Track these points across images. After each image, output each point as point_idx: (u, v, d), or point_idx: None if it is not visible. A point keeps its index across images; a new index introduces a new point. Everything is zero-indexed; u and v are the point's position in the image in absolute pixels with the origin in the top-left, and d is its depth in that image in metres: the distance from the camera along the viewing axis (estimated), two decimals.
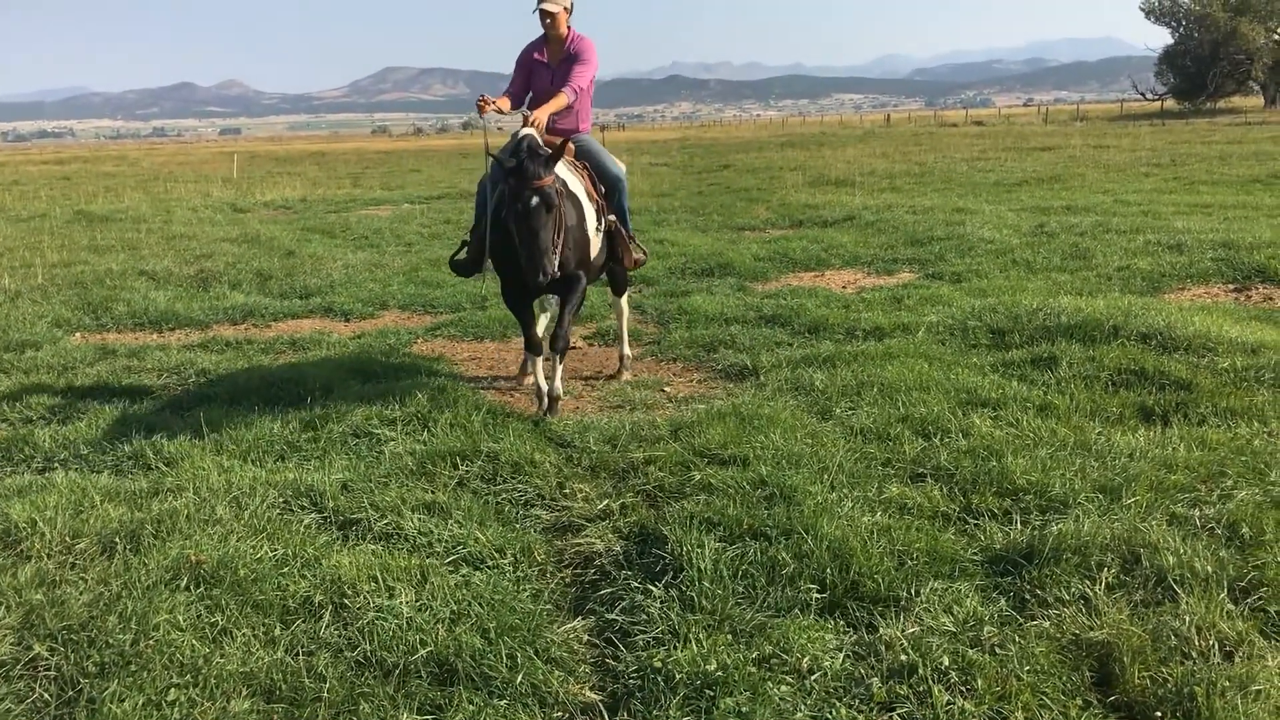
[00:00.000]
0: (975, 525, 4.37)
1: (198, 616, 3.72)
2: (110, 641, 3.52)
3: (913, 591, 3.73)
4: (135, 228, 18.25)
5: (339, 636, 3.63)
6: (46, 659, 3.54)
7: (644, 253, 7.65)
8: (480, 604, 3.79)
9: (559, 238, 5.95)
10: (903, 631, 3.45)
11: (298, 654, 3.50)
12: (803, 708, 3.14)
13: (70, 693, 3.32)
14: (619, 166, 7.26)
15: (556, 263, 5.86)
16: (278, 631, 3.64)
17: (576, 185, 6.62)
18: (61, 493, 5.06)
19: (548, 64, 7.01)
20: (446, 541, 4.40)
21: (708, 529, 4.30)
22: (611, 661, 3.51)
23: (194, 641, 3.52)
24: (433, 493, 5.00)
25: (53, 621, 3.74)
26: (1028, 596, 3.73)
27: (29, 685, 3.43)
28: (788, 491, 4.63)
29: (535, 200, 5.73)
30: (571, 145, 6.86)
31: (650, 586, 3.91)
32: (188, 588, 3.93)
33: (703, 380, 7.45)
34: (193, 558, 4.09)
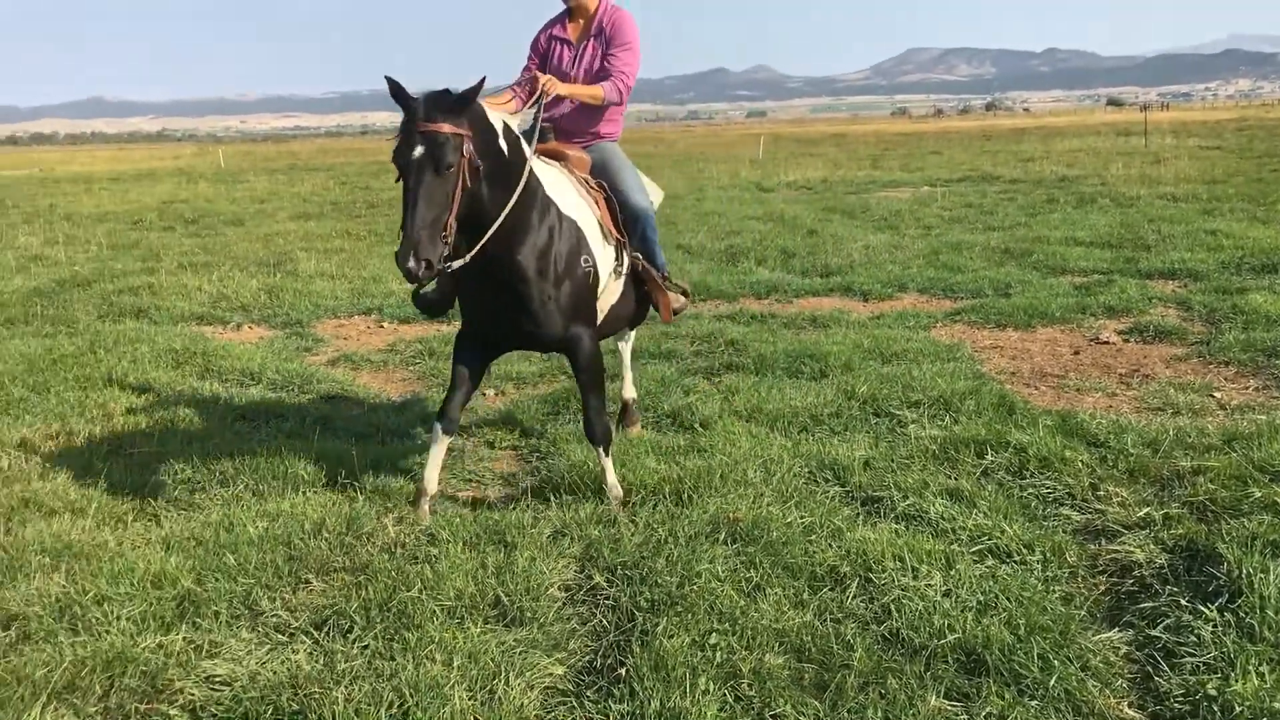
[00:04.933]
0: None
1: (734, 570, 3.97)
2: (659, 582, 3.85)
3: None
4: (672, 204, 19.68)
5: (865, 609, 3.70)
6: (605, 589, 3.96)
7: (685, 294, 5.81)
8: (1008, 598, 3.68)
9: (451, 217, 4.09)
10: None
11: (825, 620, 3.61)
12: None
13: (627, 623, 3.67)
14: (646, 195, 5.49)
15: (438, 254, 4.02)
16: (806, 595, 3.79)
17: (584, 211, 4.94)
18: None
19: (570, 41, 5.48)
20: (970, 530, 4.32)
21: (1273, 553, 3.85)
22: (1156, 680, 3.26)
23: (732, 593, 3.76)
24: (956, 479, 4.93)
25: (609, 556, 4.17)
26: None
27: (590, 610, 3.85)
28: None
29: (419, 150, 4.02)
30: (585, 157, 5.32)
31: (1201, 607, 3.57)
32: (725, 542, 4.21)
33: (1261, 388, 6.65)
34: (731, 515, 4.37)
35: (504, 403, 7.00)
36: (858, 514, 4.60)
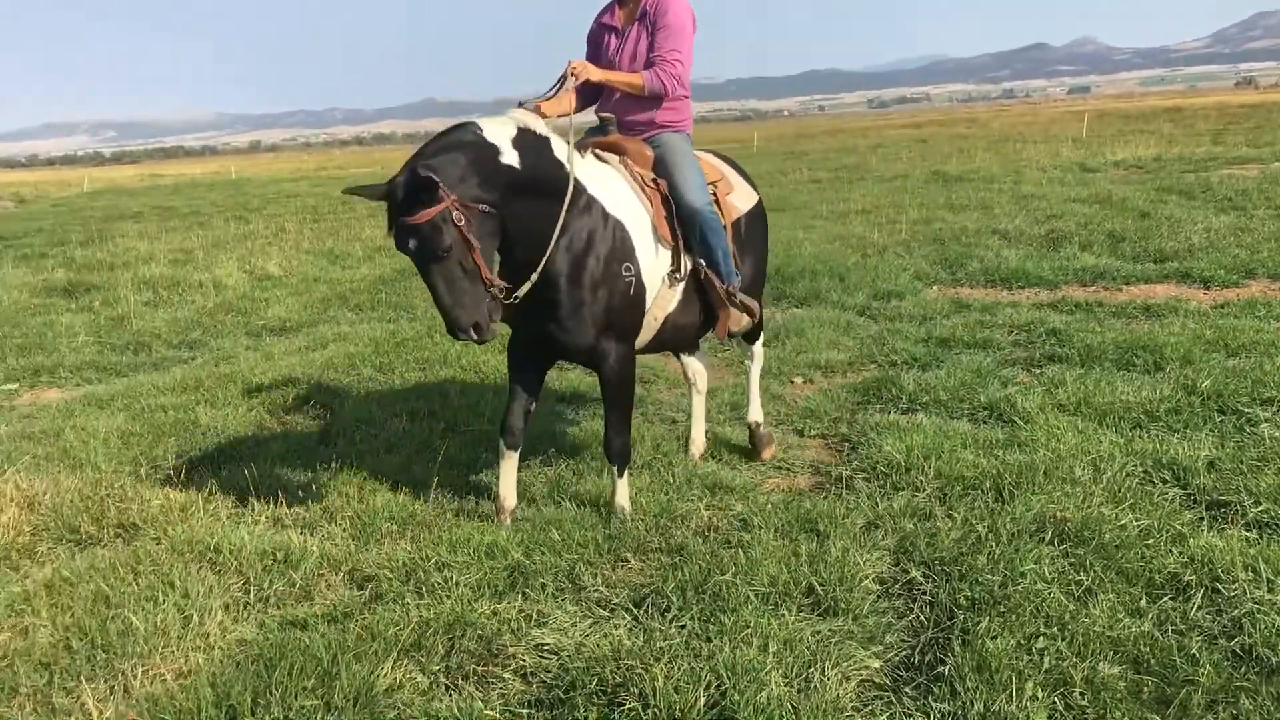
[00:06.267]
0: None
1: (1061, 572, 3.77)
2: (980, 580, 3.72)
3: None
4: (986, 187, 18.92)
5: (1211, 622, 3.41)
6: (921, 584, 3.86)
7: (753, 312, 5.22)
8: None
9: (484, 272, 3.97)
10: None
11: (1166, 630, 3.36)
12: None
13: (945, 620, 3.57)
14: (705, 193, 4.85)
15: (490, 318, 4.01)
16: (1143, 603, 3.54)
17: (635, 211, 4.60)
18: (926, 434, 5.46)
19: (617, 27, 5.00)
20: None
21: None
22: None
23: (1060, 596, 3.57)
24: None
25: (925, 550, 4.06)
26: None
27: (906, 605, 3.76)
28: None
29: (412, 244, 3.84)
30: (648, 152, 4.90)
31: None
32: (1051, 542, 4.00)
33: None
34: (1057, 514, 4.15)
35: (812, 390, 6.97)
36: (1201, 519, 4.25)
